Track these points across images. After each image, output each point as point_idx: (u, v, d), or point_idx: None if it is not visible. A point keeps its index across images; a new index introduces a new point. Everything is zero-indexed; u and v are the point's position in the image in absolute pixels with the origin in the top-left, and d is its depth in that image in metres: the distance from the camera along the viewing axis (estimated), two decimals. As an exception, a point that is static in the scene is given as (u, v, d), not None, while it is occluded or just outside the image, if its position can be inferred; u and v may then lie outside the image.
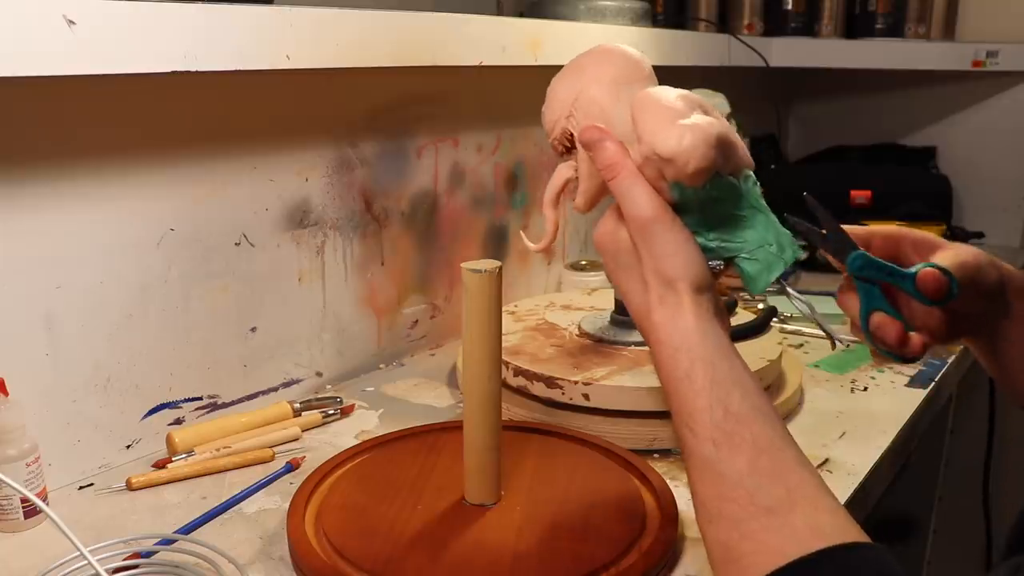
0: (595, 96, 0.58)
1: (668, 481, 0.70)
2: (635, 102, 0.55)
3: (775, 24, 1.65)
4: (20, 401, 0.67)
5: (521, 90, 1.15)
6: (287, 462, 0.77)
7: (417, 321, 1.06)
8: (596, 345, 0.90)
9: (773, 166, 1.68)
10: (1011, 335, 0.62)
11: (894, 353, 0.58)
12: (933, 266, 0.56)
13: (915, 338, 0.58)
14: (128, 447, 0.78)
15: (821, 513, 0.47)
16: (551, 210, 0.62)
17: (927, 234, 0.61)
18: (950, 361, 1.04)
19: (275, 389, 0.90)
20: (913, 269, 0.56)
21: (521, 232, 0.64)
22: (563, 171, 0.61)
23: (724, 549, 0.47)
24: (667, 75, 0.65)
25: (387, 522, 0.64)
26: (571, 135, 0.59)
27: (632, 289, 0.55)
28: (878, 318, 0.57)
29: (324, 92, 0.89)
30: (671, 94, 0.55)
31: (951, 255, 0.57)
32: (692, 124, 0.52)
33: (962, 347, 1.10)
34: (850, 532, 0.46)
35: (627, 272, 0.55)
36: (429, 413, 0.89)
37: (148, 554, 0.63)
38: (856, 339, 0.61)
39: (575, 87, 0.59)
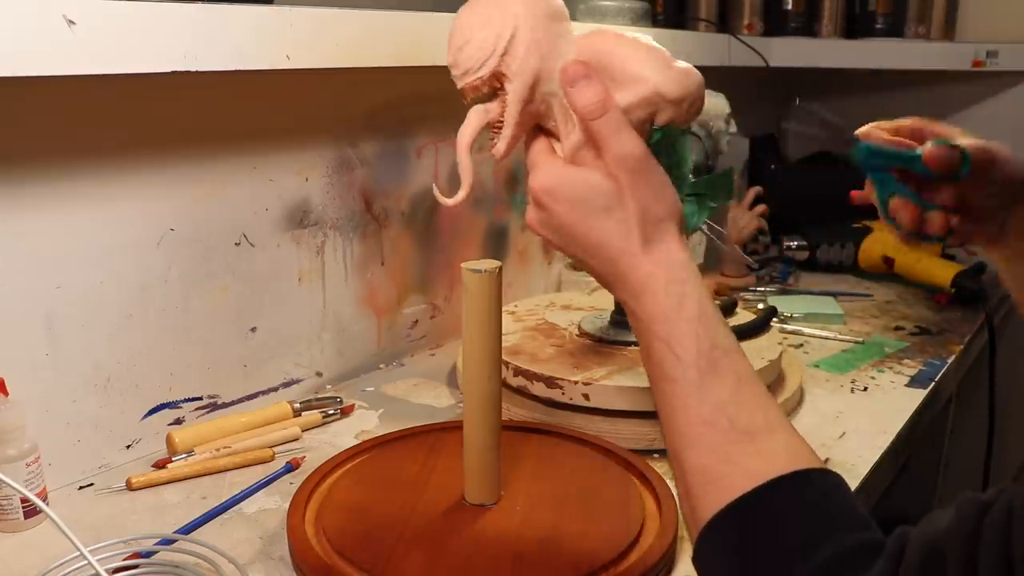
0: (534, 35, 0.54)
1: (668, 481, 0.70)
2: (620, 45, 0.55)
3: (775, 24, 1.65)
4: (20, 401, 0.67)
5: (521, 90, 1.15)
6: (287, 462, 0.77)
7: (417, 321, 1.06)
8: (596, 345, 0.90)
9: (773, 166, 1.68)
10: None
11: (917, 234, 0.59)
12: (941, 142, 0.56)
13: (935, 217, 0.59)
14: (128, 447, 0.78)
15: (797, 440, 0.49)
16: (467, 157, 0.58)
17: (948, 126, 0.61)
18: (950, 361, 1.04)
19: (275, 389, 0.90)
20: (920, 149, 0.56)
21: (434, 185, 0.60)
22: (479, 115, 0.57)
23: (702, 472, 0.48)
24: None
25: (387, 522, 0.64)
26: (501, 76, 0.55)
27: (610, 230, 0.53)
28: (894, 202, 0.58)
29: (324, 92, 0.89)
30: (650, 38, 0.55)
31: (970, 139, 0.58)
32: (688, 68, 0.54)
33: (962, 347, 1.10)
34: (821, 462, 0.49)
35: (605, 214, 0.53)
36: (429, 413, 0.89)
37: (148, 554, 0.63)
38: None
39: (506, 24, 0.54)
